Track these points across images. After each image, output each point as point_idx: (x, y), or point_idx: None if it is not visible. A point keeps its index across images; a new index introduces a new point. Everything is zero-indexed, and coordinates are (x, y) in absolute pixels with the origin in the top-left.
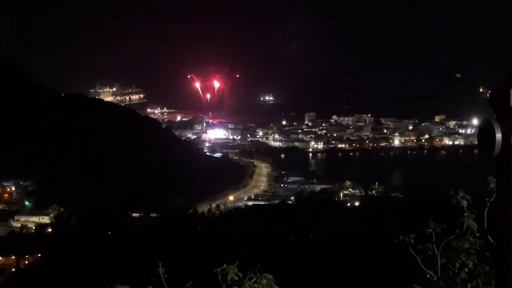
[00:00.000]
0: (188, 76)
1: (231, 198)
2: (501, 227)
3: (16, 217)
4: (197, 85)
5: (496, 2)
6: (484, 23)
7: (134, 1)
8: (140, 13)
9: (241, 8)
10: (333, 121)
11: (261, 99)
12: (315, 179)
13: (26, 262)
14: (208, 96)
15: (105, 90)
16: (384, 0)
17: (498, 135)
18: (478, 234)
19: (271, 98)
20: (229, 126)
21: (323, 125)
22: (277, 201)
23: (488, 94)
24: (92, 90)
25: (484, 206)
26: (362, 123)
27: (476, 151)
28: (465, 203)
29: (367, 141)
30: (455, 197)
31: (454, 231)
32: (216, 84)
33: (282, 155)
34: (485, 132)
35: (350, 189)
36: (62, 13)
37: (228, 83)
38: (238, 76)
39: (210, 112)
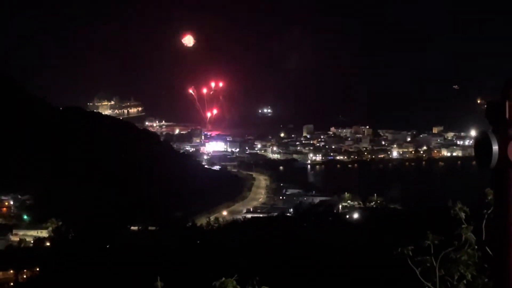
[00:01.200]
0: (190, 91)
1: (224, 213)
2: (499, 239)
3: (14, 231)
4: (195, 97)
5: (494, 13)
6: (481, 34)
7: (132, 15)
8: (138, 26)
9: (240, 21)
10: (331, 133)
11: (259, 111)
12: (313, 191)
13: (25, 276)
14: (206, 108)
15: (103, 103)
16: (381, 12)
17: (495, 147)
18: (476, 246)
19: (269, 110)
20: (228, 139)
21: (321, 137)
22: (276, 213)
23: (485, 106)
24: (91, 104)
25: (482, 218)
26: (360, 135)
27: (474, 162)
28: (463, 214)
29: (366, 153)
30: (453, 209)
31: (452, 243)
32: (214, 96)
33: (281, 167)
34: (481, 144)
35: (349, 201)
36: (60, 27)
37: (226, 95)
38: (235, 89)
39: (208, 125)
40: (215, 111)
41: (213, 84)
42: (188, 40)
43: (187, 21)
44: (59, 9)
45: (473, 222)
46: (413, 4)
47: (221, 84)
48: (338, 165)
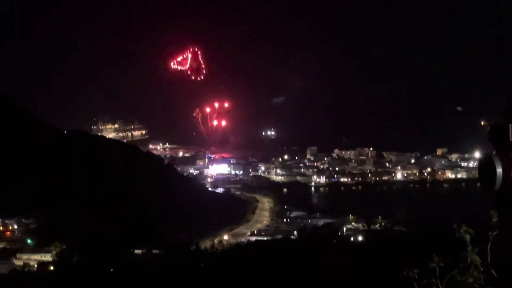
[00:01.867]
0: (194, 114)
1: (226, 237)
2: (504, 261)
3: (18, 255)
4: (200, 120)
5: (496, 36)
6: (485, 56)
7: (137, 38)
8: (141, 50)
9: (242, 44)
10: (335, 155)
11: (263, 134)
12: (317, 214)
13: None
14: (210, 131)
15: (107, 126)
16: (383, 33)
17: (499, 170)
18: (482, 269)
19: (273, 132)
20: (231, 161)
21: (325, 159)
22: (280, 236)
23: (488, 128)
24: (95, 127)
25: (487, 240)
26: (364, 157)
27: (478, 184)
28: (468, 237)
29: (370, 175)
30: (459, 231)
31: (458, 265)
32: (218, 119)
33: (285, 190)
34: (485, 166)
35: (353, 223)
36: (64, 50)
37: (230, 118)
38: (239, 111)
39: (212, 147)
40: (218, 134)
41: (216, 105)
42: (193, 64)
43: (193, 45)
44: (62, 33)
45: (478, 244)
46: (416, 25)
47: (226, 105)
48: (342, 187)
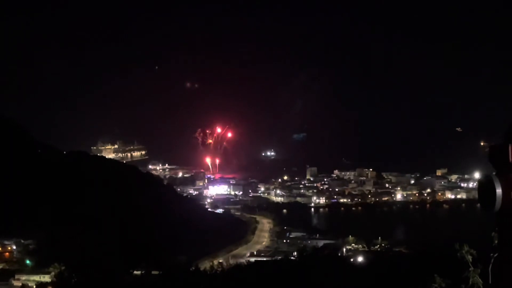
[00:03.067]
0: (194, 135)
1: (225, 258)
2: (505, 282)
3: (16, 276)
4: (200, 141)
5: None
6: (485, 77)
7: (136, 60)
8: (141, 71)
9: (243, 65)
10: (334, 175)
11: (263, 154)
12: (317, 234)
13: None
14: (210, 152)
15: (107, 147)
16: (384, 53)
17: (499, 191)
18: None
19: (272, 153)
20: (231, 182)
21: (325, 179)
22: (280, 257)
23: (488, 149)
24: (94, 147)
25: (489, 261)
26: (364, 178)
27: (478, 205)
28: (470, 257)
29: (369, 196)
30: (460, 252)
31: (459, 286)
32: (218, 140)
33: (284, 210)
34: (485, 187)
35: (353, 244)
36: (64, 70)
37: (229, 139)
38: (239, 132)
39: (211, 168)
40: (218, 156)
41: (216, 128)
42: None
43: (192, 66)
44: (62, 55)
45: (480, 265)
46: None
47: (224, 128)
48: (342, 208)
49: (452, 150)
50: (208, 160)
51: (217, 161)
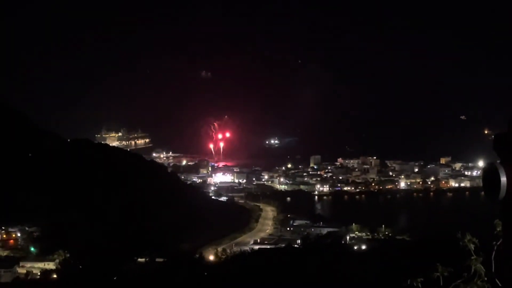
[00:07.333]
0: (199, 124)
1: (229, 245)
2: (508, 270)
3: (21, 263)
4: (203, 128)
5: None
6: (488, 64)
7: (139, 47)
8: (146, 59)
9: (247, 54)
10: (338, 163)
11: (267, 142)
12: (321, 222)
13: None
14: (214, 139)
15: (111, 135)
16: (388, 45)
17: (503, 179)
18: (486, 278)
19: (276, 141)
20: (235, 170)
21: (329, 167)
22: (283, 245)
23: (492, 137)
24: (98, 135)
25: (491, 249)
26: (368, 166)
27: (482, 193)
28: (472, 246)
29: (373, 184)
30: (462, 240)
31: (461, 274)
32: (222, 128)
33: (288, 198)
34: (490, 176)
35: (356, 232)
36: (68, 59)
37: (233, 127)
38: (243, 120)
39: (215, 156)
40: (222, 143)
41: (221, 116)
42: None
43: (198, 55)
44: (67, 43)
45: (482, 253)
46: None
47: (229, 116)
48: (346, 196)
49: (456, 138)
50: (212, 148)
51: (221, 149)
